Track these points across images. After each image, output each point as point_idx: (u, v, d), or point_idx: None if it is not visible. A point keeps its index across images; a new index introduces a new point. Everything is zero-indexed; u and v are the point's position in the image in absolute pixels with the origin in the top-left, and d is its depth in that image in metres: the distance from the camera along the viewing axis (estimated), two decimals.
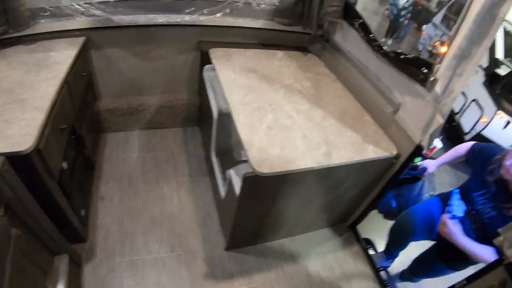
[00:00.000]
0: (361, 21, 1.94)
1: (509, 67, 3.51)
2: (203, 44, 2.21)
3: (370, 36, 1.88)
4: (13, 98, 1.40)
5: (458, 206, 1.65)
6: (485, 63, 3.62)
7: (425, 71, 1.53)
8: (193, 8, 2.04)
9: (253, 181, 1.43)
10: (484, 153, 1.71)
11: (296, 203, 1.79)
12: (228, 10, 2.10)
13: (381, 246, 2.23)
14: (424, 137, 1.59)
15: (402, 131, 1.69)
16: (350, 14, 2.04)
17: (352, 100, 1.98)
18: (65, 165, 1.58)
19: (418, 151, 1.64)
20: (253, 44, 2.34)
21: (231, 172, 1.64)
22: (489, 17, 1.26)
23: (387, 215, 2.37)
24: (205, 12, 2.07)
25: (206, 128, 2.42)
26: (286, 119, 1.68)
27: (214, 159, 2.05)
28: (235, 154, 2.30)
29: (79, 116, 1.89)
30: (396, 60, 1.70)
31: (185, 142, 2.55)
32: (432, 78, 1.51)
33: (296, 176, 1.50)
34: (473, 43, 1.32)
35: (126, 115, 2.41)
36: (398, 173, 1.77)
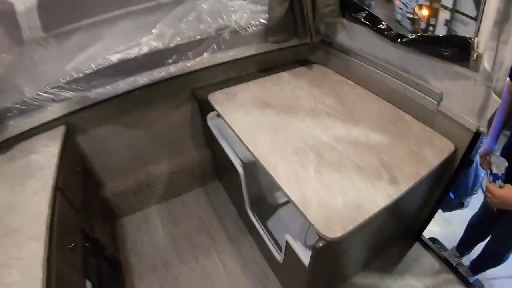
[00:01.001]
0: (366, 12, 1.69)
1: None
2: (198, 92, 1.94)
3: (381, 25, 1.63)
4: (3, 230, 1.15)
5: (497, 164, 1.29)
6: None
7: (465, 49, 1.27)
8: (175, 56, 1.77)
9: (326, 249, 1.15)
10: None
11: (368, 241, 1.54)
12: (214, 46, 1.83)
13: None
14: (481, 122, 1.34)
15: (453, 122, 1.46)
16: (349, 9, 1.77)
17: (383, 104, 1.73)
18: (88, 285, 1.32)
19: (476, 138, 1.41)
20: (252, 73, 2.08)
21: (289, 239, 1.37)
22: None
23: (446, 207, 2.14)
24: (189, 56, 1.81)
25: (228, 180, 2.13)
26: (330, 152, 1.40)
27: (252, 216, 1.77)
28: (270, 200, 2.02)
29: (86, 217, 1.60)
30: (424, 45, 1.45)
31: (211, 202, 2.25)
32: (475, 55, 1.26)
33: (370, 221, 1.21)
34: (510, 3, 1.08)
35: (138, 194, 2.12)
36: (460, 168, 1.53)
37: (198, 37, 1.78)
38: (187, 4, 2.16)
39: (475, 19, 3.40)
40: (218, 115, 1.88)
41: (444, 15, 3.70)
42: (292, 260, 1.41)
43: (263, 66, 2.12)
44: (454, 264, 1.91)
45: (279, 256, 1.56)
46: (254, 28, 1.86)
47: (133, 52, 1.67)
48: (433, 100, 1.52)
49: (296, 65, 2.14)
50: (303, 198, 1.20)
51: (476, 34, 1.27)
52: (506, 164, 1.26)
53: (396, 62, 1.66)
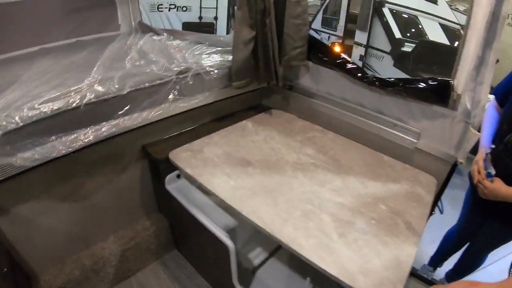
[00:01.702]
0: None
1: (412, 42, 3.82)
2: (149, 149, 1.61)
3: (354, 68, 1.63)
4: None
5: (490, 168, 1.49)
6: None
7: (444, 90, 1.39)
8: (128, 107, 1.45)
9: None
10: None
11: None
12: (176, 93, 1.57)
13: None
14: (460, 154, 1.45)
15: (431, 157, 1.54)
16: (316, 51, 1.76)
17: (361, 147, 1.70)
18: None
19: (454, 168, 1.51)
20: (206, 123, 1.87)
21: None
22: (494, 19, 1.19)
23: None
24: (145, 105, 1.51)
25: (195, 250, 1.79)
26: (341, 210, 1.26)
27: None
28: (245, 263, 1.75)
29: None
30: (402, 88, 1.50)
31: (174, 277, 1.80)
32: (454, 96, 1.38)
33: None
34: (486, 48, 1.23)
35: (83, 283, 1.58)
36: (439, 196, 1.61)
37: (158, 81, 1.50)
38: (120, 43, 1.87)
39: (389, 53, 3.83)
40: (178, 176, 1.60)
41: (358, 51, 4.10)
42: None
43: (219, 115, 1.91)
44: (429, 278, 1.98)
45: None
46: (218, 71, 1.67)
47: (74, 101, 1.29)
48: (411, 139, 1.58)
49: (251, 112, 2.00)
50: (344, 270, 1.02)
51: (453, 77, 1.38)
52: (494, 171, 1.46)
53: (370, 105, 1.67)
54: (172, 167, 1.56)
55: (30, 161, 1.22)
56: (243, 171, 1.45)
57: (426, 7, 4.35)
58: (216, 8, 5.36)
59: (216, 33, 5.34)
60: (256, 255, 1.79)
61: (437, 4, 4.53)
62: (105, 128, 1.40)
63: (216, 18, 5.41)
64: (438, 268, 2.16)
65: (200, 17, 5.36)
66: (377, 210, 1.29)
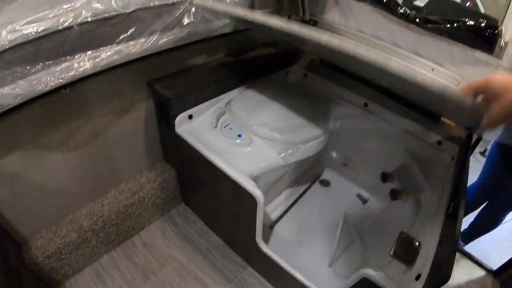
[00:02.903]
0: None
1: None
2: (156, 85, 1.31)
3: (393, 3, 1.41)
4: None
5: None
6: None
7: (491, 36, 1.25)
8: (134, 29, 1.15)
9: None
10: None
11: None
12: (191, 16, 1.26)
13: None
14: None
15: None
16: None
17: None
18: None
19: None
20: (222, 57, 1.59)
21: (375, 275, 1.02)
22: None
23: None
24: (156, 28, 1.21)
25: (206, 203, 1.59)
26: None
27: (267, 250, 1.32)
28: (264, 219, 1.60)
29: None
30: (446, 28, 1.32)
31: (183, 235, 1.60)
32: (502, 43, 1.24)
33: None
34: None
35: (81, 247, 1.35)
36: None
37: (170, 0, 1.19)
38: None
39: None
40: (190, 117, 1.36)
41: None
42: None
43: (234, 49, 1.63)
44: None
45: None
46: None
47: (66, 20, 0.98)
48: (453, 83, 1.40)
49: (271, 47, 1.75)
50: None
51: (501, 23, 1.25)
52: None
53: (406, 46, 1.47)
54: (183, 106, 1.32)
55: (10, 98, 0.94)
56: None
57: None
58: None
59: None
60: (273, 210, 1.64)
61: None
62: (105, 55, 1.10)
63: None
64: None
65: None
66: None
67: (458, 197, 1.12)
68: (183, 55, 1.39)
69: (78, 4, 1.04)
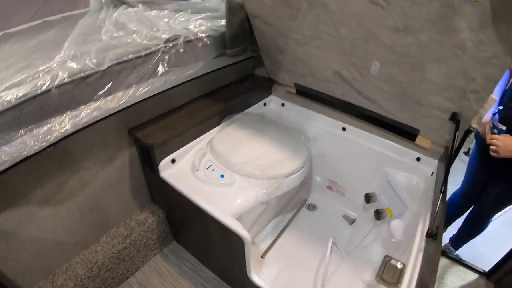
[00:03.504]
0: None
1: None
2: (138, 133, 1.37)
3: None
4: None
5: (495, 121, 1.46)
6: None
7: None
8: (110, 84, 1.20)
9: None
10: None
11: None
12: (166, 64, 1.33)
13: None
14: (474, 119, 1.38)
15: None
16: None
17: None
18: None
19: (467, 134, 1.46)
20: (201, 98, 1.66)
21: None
22: None
23: None
24: (131, 81, 1.26)
25: (197, 240, 1.61)
26: None
27: (258, 282, 1.36)
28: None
29: None
30: None
31: (177, 273, 1.61)
32: None
33: None
34: None
35: None
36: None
37: (144, 52, 1.25)
38: (92, 17, 1.57)
39: None
40: (173, 161, 1.41)
41: None
42: None
43: (212, 88, 1.71)
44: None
45: None
46: (208, 37, 1.45)
47: (44, 83, 1.03)
48: None
49: (245, 83, 1.82)
50: None
51: None
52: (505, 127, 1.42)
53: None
54: (165, 152, 1.37)
55: None
56: None
57: None
58: None
59: None
60: (263, 240, 1.69)
61: None
62: (85, 113, 1.15)
63: None
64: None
65: None
66: None
67: (439, 217, 1.17)
68: (161, 100, 1.44)
69: (55, 64, 1.11)
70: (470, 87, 1.22)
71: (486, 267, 1.84)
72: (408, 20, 1.14)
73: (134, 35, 1.34)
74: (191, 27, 1.46)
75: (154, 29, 1.38)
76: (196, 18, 1.55)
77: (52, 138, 1.09)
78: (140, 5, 1.75)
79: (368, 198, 1.63)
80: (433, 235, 1.13)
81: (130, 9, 1.72)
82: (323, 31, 1.40)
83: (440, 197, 1.23)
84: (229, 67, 1.69)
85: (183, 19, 1.55)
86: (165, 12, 1.66)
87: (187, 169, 1.40)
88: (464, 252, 1.98)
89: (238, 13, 1.45)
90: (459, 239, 1.99)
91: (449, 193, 1.96)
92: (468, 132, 1.46)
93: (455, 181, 1.91)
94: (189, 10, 1.66)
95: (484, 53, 1.07)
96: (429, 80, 1.29)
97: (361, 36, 1.31)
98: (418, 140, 1.54)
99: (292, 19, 1.43)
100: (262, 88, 1.85)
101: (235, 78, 1.82)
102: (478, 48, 1.07)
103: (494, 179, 1.66)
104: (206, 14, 1.59)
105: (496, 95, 1.47)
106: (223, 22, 1.52)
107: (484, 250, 2.02)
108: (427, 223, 1.22)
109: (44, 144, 1.07)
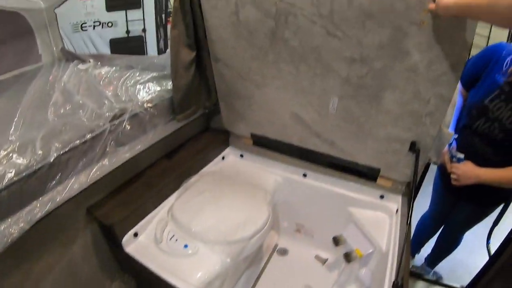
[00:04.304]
0: None
1: None
2: (96, 212, 1.41)
3: None
4: None
5: (459, 154, 1.55)
6: None
7: None
8: (60, 175, 1.24)
9: None
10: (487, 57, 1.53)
11: None
12: (113, 143, 1.37)
13: None
14: (432, 153, 1.48)
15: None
16: None
17: None
18: None
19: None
20: (158, 162, 1.70)
21: None
22: None
23: None
24: (79, 167, 1.30)
25: None
26: None
27: None
28: None
29: None
30: None
31: None
32: None
33: None
34: None
35: None
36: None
37: (89, 135, 1.29)
38: (42, 80, 1.61)
39: None
40: (136, 235, 1.44)
41: None
42: None
43: (168, 150, 1.76)
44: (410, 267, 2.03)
45: None
46: (155, 106, 1.50)
47: None
48: None
49: (201, 139, 1.89)
50: None
51: None
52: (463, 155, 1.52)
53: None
54: (126, 227, 1.42)
55: None
56: None
57: None
58: (144, 19, 4.94)
59: (146, 46, 4.99)
60: None
61: None
62: (38, 208, 1.19)
63: (144, 30, 5.02)
64: (416, 254, 2.23)
65: (128, 31, 4.94)
66: None
67: (403, 265, 1.21)
68: (115, 175, 1.47)
69: (3, 161, 1.13)
70: (425, 110, 1.32)
71: (465, 280, 1.88)
72: (363, 49, 1.27)
73: (81, 111, 1.39)
74: (139, 96, 1.49)
75: (101, 102, 1.43)
76: (143, 80, 1.62)
77: (9, 241, 1.11)
78: (91, 60, 1.80)
79: (337, 241, 1.69)
80: (400, 284, 1.16)
81: (81, 66, 1.77)
82: (282, 69, 1.50)
83: (405, 241, 1.27)
84: (181, 128, 1.74)
85: (131, 83, 1.61)
86: (115, 69, 1.73)
87: (150, 242, 1.45)
88: (441, 268, 2.09)
89: (185, 74, 1.49)
90: (434, 258, 2.09)
91: (419, 215, 2.08)
92: (428, 165, 1.52)
93: (425, 202, 2.00)
94: (139, 67, 1.74)
95: (434, 72, 1.21)
96: (385, 111, 1.39)
97: (320, 71, 1.42)
98: (379, 180, 1.61)
99: (253, 59, 1.53)
100: (219, 141, 1.92)
101: (190, 136, 1.88)
102: (429, 67, 1.21)
103: (458, 200, 1.75)
104: (153, 74, 1.65)
105: (452, 129, 1.55)
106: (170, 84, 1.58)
107: (461, 263, 2.13)
108: (395, 265, 1.28)
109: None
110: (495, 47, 1.49)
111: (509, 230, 1.32)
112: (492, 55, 1.46)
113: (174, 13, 1.45)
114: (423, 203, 2.00)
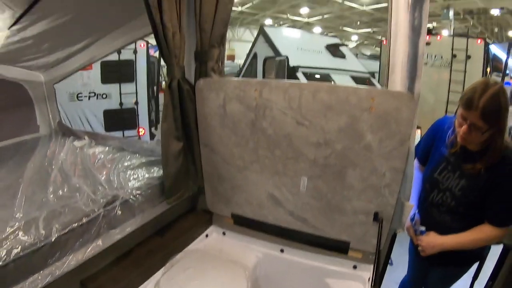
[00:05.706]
0: None
1: None
2: (88, 285, 1.60)
3: None
4: None
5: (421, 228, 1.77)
6: None
7: None
8: (59, 253, 1.48)
9: None
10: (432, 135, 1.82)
11: None
12: (105, 226, 1.63)
13: None
14: (396, 224, 1.69)
15: None
16: None
17: None
18: None
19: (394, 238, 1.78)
20: (148, 239, 1.91)
21: None
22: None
23: None
24: (75, 247, 1.53)
25: None
26: None
27: None
28: None
29: None
30: None
31: None
32: None
33: None
34: None
35: None
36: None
37: (85, 219, 1.56)
38: (40, 155, 1.88)
39: None
40: None
41: None
42: None
43: (157, 228, 1.99)
44: None
45: None
46: (144, 194, 1.80)
47: (1, 257, 1.28)
48: None
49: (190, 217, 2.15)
50: None
51: None
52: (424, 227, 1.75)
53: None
54: None
55: None
56: None
57: (336, 64, 5.02)
58: (136, 93, 5.55)
59: (138, 118, 5.51)
60: None
61: (345, 59, 5.23)
62: (39, 280, 1.40)
63: (137, 103, 5.61)
64: None
65: (121, 103, 5.51)
66: None
67: None
68: (107, 252, 1.68)
69: (10, 237, 1.37)
70: (382, 182, 1.61)
71: None
72: (326, 134, 1.64)
73: (77, 195, 1.69)
74: (129, 184, 1.81)
75: (95, 187, 1.74)
76: (134, 165, 1.93)
77: None
78: (86, 138, 2.10)
79: None
80: None
81: (76, 143, 2.08)
82: (260, 155, 1.84)
83: None
84: (169, 209, 2.01)
85: (123, 167, 1.92)
86: (108, 150, 2.03)
87: None
88: None
89: (174, 163, 1.81)
90: None
91: (399, 279, 2.29)
92: (395, 236, 1.72)
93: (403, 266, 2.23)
94: (130, 150, 2.06)
95: (385, 148, 1.54)
96: (349, 186, 1.69)
97: (291, 154, 1.77)
98: (351, 253, 1.84)
99: (236, 146, 1.89)
100: (203, 220, 2.19)
101: (176, 216, 2.13)
102: (380, 145, 1.54)
103: (431, 265, 1.94)
104: (142, 160, 1.98)
105: (413, 201, 1.81)
106: (160, 170, 1.88)
107: None
108: None
109: None
110: (439, 121, 1.84)
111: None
112: (437, 130, 1.79)
113: (164, 107, 1.82)
114: (401, 267, 2.23)
